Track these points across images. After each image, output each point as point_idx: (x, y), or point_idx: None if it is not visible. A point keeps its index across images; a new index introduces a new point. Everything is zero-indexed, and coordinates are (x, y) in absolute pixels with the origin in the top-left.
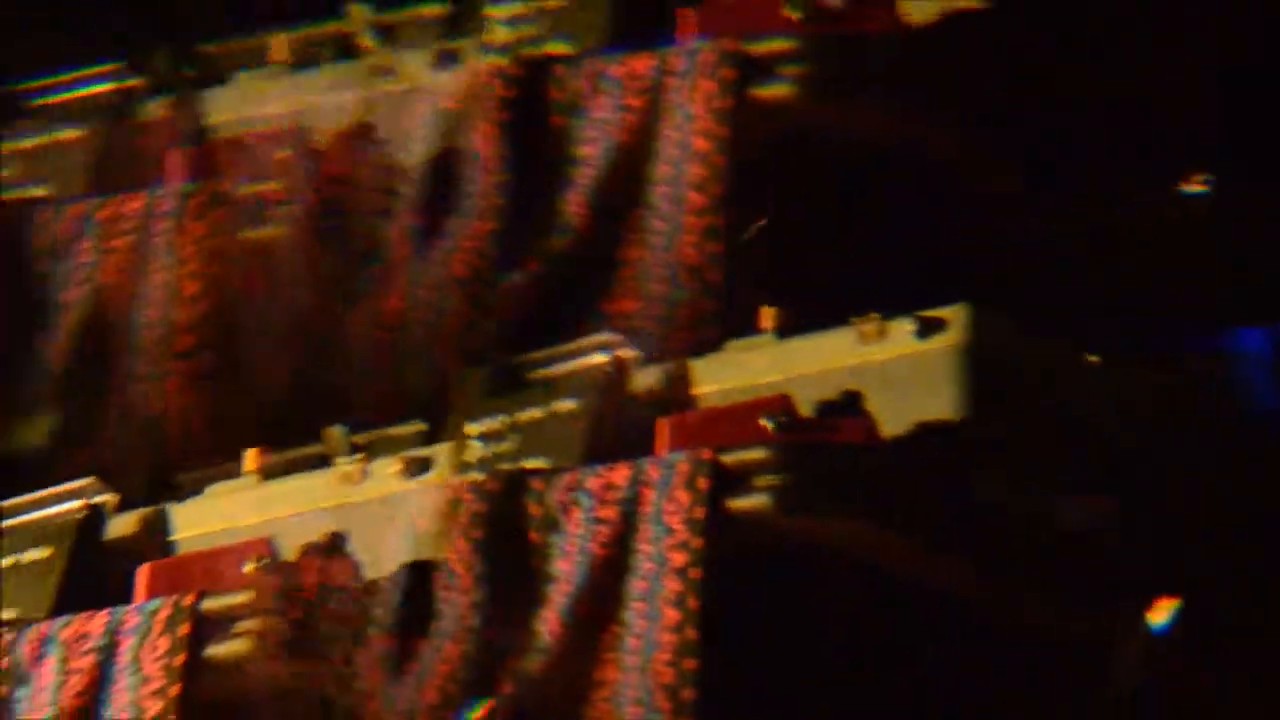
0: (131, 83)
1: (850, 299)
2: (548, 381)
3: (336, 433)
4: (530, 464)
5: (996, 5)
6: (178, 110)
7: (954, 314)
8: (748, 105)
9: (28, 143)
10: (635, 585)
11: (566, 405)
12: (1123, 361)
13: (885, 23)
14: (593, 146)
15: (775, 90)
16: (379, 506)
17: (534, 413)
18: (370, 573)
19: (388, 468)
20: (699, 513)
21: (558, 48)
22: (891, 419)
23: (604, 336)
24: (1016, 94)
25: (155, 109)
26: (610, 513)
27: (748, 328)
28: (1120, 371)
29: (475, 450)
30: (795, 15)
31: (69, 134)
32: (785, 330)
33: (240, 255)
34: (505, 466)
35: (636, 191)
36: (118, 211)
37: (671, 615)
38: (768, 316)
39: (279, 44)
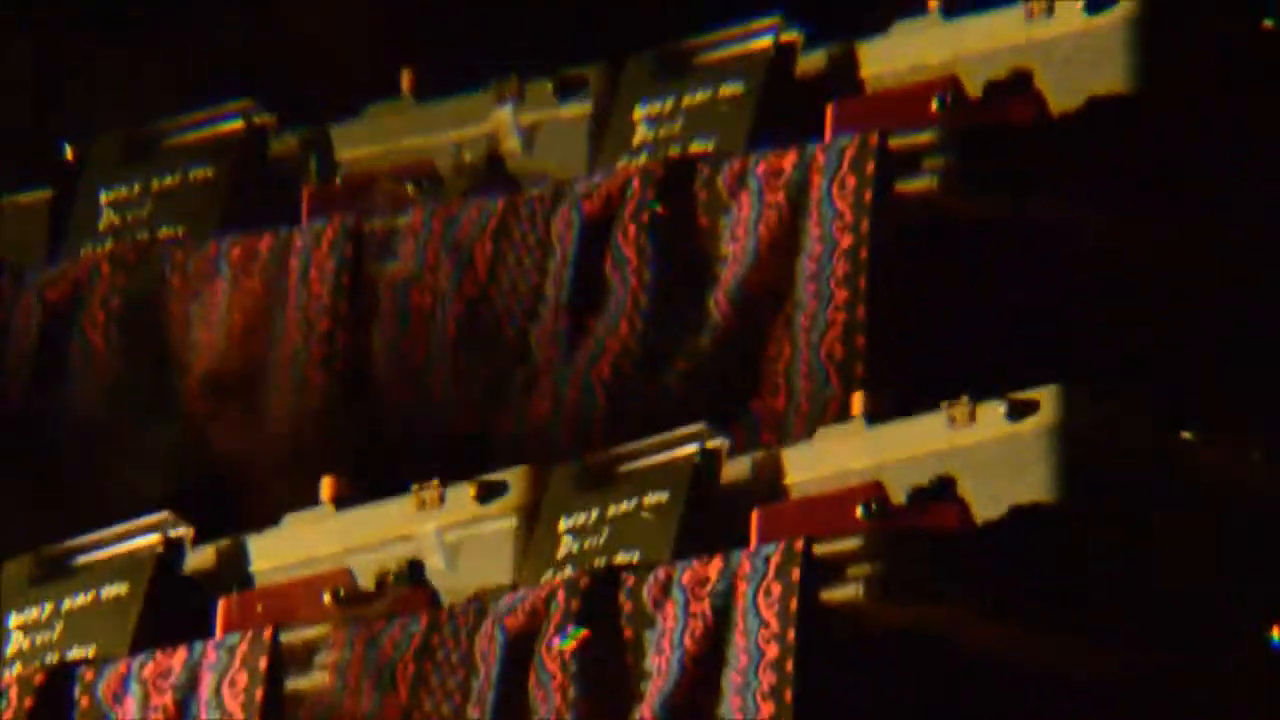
0: (262, 119)
1: (941, 381)
2: (638, 474)
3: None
4: (622, 558)
5: (1139, 92)
6: (309, 146)
7: (1046, 395)
8: (891, 199)
9: (160, 182)
10: (731, 678)
11: (657, 498)
12: (1221, 439)
13: (1027, 112)
14: (737, 244)
15: (918, 184)
16: (458, 532)
17: (625, 506)
18: (450, 598)
19: (463, 492)
20: (793, 604)
21: (700, 146)
22: (985, 503)
23: (694, 428)
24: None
25: (286, 145)
26: (704, 606)
27: (838, 414)
28: (1219, 450)
29: (566, 545)
30: (937, 107)
31: (200, 173)
32: (875, 415)
33: (375, 290)
34: (597, 561)
35: (782, 288)
36: (251, 250)
37: (767, 709)
38: (857, 402)
39: (407, 75)
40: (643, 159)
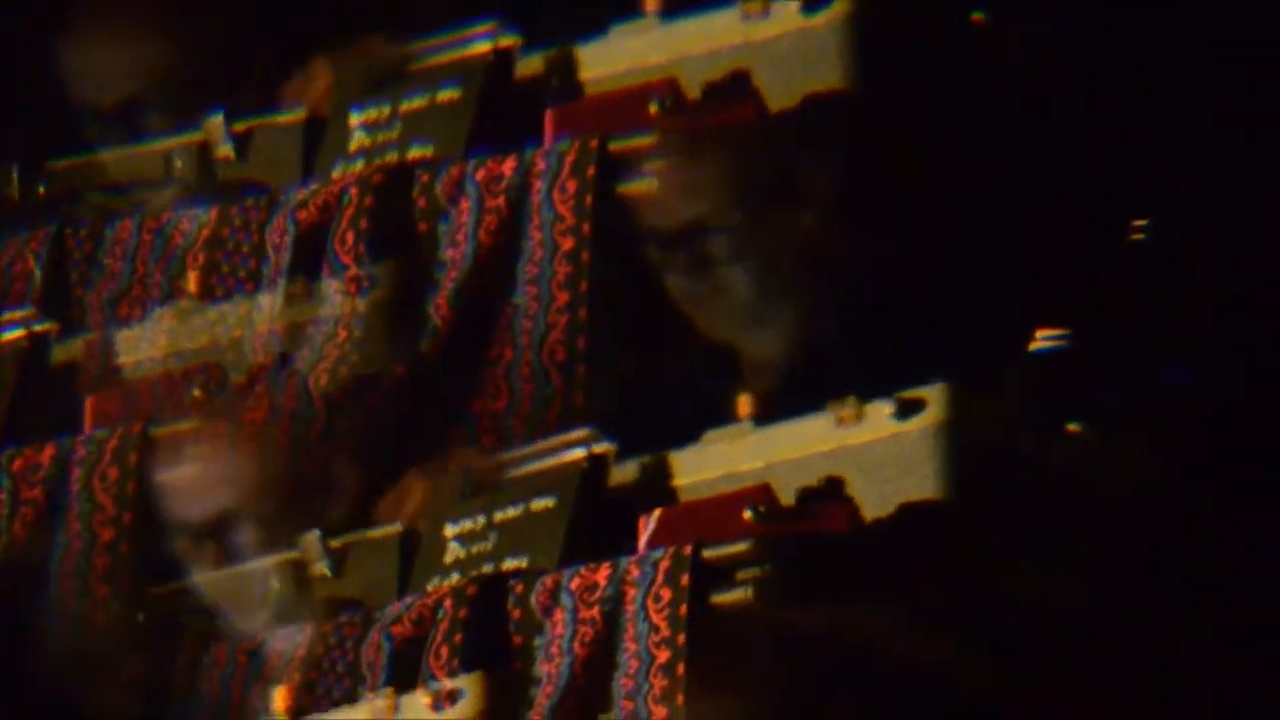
0: (43, 328)
1: (827, 383)
2: (525, 479)
3: (311, 538)
4: (510, 564)
5: (857, 87)
6: (91, 352)
7: (933, 394)
8: (612, 201)
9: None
10: (621, 683)
11: (544, 503)
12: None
13: (746, 114)
14: (456, 250)
15: (638, 186)
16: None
17: (511, 511)
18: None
19: (418, 700)
20: (682, 609)
21: (418, 152)
22: (874, 502)
23: (580, 432)
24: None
25: (68, 351)
26: (593, 613)
27: (725, 417)
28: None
29: (453, 551)
30: (656, 110)
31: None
32: (763, 417)
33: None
34: (485, 568)
35: (503, 292)
36: (32, 461)
37: (660, 712)
38: (744, 404)
39: (191, 279)
40: (359, 165)
